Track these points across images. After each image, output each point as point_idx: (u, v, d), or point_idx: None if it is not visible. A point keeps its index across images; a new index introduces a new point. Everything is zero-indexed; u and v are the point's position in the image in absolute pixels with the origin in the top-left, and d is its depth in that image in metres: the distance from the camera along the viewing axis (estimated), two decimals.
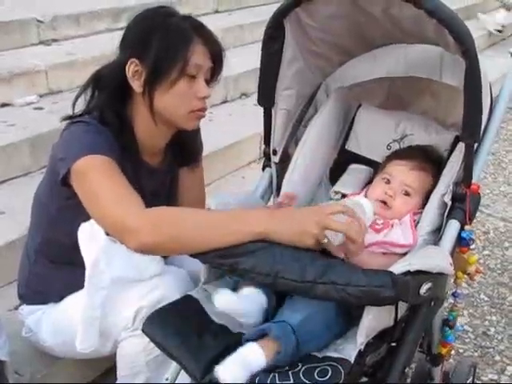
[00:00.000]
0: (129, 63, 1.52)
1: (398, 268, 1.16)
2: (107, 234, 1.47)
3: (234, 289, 1.33)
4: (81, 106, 1.60)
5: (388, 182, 1.51)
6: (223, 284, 1.39)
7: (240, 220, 1.29)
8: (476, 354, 2.25)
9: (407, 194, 1.49)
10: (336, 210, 1.28)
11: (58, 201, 1.58)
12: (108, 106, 1.55)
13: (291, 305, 1.27)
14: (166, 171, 1.73)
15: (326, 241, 1.25)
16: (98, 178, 1.41)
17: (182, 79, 1.51)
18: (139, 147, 1.61)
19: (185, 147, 1.74)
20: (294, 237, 1.25)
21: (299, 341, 1.19)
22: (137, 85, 1.53)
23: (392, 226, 1.41)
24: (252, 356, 1.18)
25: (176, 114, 1.56)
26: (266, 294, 1.29)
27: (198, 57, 1.52)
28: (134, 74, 1.52)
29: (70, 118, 1.58)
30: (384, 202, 1.47)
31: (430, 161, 1.54)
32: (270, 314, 1.30)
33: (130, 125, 1.58)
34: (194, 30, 1.53)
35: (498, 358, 2.24)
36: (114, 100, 1.56)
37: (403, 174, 1.51)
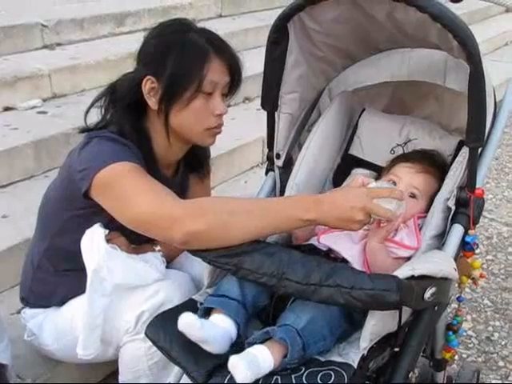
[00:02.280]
0: (145, 80, 1.51)
1: (402, 273, 1.15)
2: (107, 242, 1.46)
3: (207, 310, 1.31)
4: (92, 115, 1.60)
5: (394, 183, 1.50)
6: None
7: (289, 207, 1.30)
8: (480, 359, 2.24)
9: (414, 196, 1.49)
10: (382, 194, 1.30)
11: (71, 210, 1.57)
12: (125, 120, 1.54)
13: (294, 308, 1.26)
14: (179, 182, 1.74)
15: (371, 220, 1.30)
16: (130, 180, 1.41)
17: (198, 97, 1.50)
18: (157, 159, 1.61)
19: (197, 155, 1.75)
20: (340, 224, 1.29)
21: (305, 343, 1.19)
22: (153, 102, 1.53)
23: (396, 229, 1.41)
24: (260, 358, 1.17)
25: (192, 132, 1.56)
26: (238, 321, 1.27)
27: (214, 74, 1.51)
28: (150, 90, 1.52)
29: (87, 130, 1.58)
30: None
31: (436, 165, 1.54)
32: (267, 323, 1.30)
33: (148, 137, 1.58)
34: (211, 45, 1.51)
35: (501, 363, 2.22)
36: (131, 114, 1.55)
37: (410, 176, 1.51)
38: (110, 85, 1.61)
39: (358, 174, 1.44)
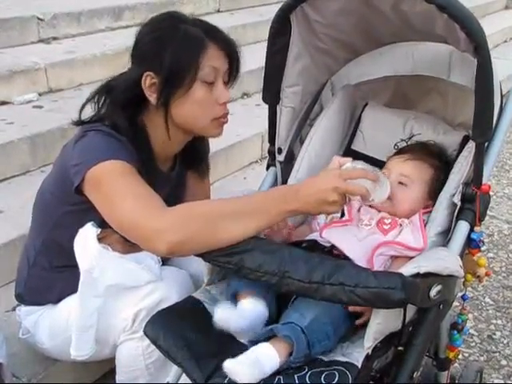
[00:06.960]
0: (144, 76, 1.48)
1: (407, 270, 1.13)
2: (99, 241, 1.43)
3: (234, 295, 1.30)
4: (87, 109, 1.56)
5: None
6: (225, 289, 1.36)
7: (271, 201, 1.30)
8: (482, 358, 2.21)
9: (403, 183, 1.46)
10: (354, 175, 1.28)
11: (66, 205, 1.54)
12: (121, 117, 1.51)
13: (298, 307, 1.24)
14: (176, 177, 1.71)
15: (348, 200, 1.29)
16: (120, 182, 1.38)
17: (200, 86, 1.47)
18: (153, 154, 1.58)
19: (196, 150, 1.71)
20: (318, 208, 1.28)
21: (310, 341, 1.17)
22: (154, 97, 1.49)
23: (401, 225, 1.38)
24: (265, 356, 1.15)
25: (198, 123, 1.53)
26: (266, 301, 1.26)
27: (212, 59, 1.47)
28: (151, 86, 1.49)
29: (80, 123, 1.55)
30: None
31: (430, 153, 1.52)
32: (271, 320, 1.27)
33: (145, 132, 1.55)
34: (206, 34, 1.48)
35: (504, 362, 2.20)
36: (127, 112, 1.52)
37: (398, 165, 1.49)
38: (105, 83, 1.57)
39: (335, 156, 1.41)
